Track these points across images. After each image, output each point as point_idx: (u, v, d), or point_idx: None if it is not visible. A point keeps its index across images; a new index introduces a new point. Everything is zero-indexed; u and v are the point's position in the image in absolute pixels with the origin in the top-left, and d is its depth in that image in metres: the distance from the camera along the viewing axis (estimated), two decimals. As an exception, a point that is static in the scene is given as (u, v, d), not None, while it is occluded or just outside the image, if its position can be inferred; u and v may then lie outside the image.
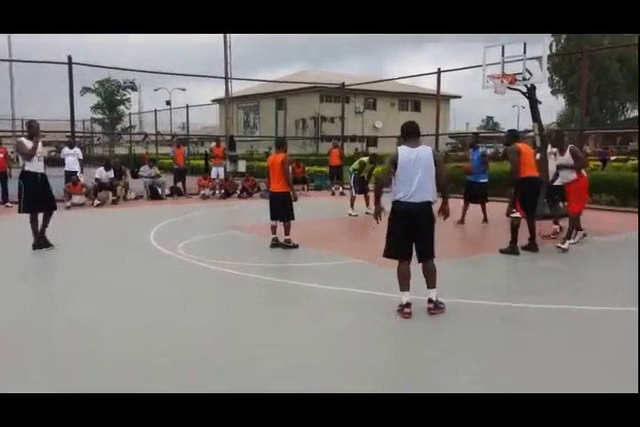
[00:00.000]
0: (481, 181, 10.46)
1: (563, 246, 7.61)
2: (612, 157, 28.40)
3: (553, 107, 57.24)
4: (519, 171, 7.43)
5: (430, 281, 4.92)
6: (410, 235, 4.87)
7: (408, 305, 4.80)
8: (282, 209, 8.09)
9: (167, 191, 16.28)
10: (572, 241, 7.81)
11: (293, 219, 8.16)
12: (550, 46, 49.18)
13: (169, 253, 7.69)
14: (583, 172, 7.94)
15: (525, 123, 51.57)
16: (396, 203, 4.88)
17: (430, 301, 4.89)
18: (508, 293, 5.72)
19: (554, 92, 55.84)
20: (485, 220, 10.39)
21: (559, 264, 7.05)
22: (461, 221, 10.24)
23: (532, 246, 7.62)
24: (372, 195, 5.23)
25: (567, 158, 7.77)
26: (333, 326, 4.70)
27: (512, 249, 7.44)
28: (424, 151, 4.83)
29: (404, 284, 4.87)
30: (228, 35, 18.89)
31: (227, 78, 19.37)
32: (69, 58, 14.69)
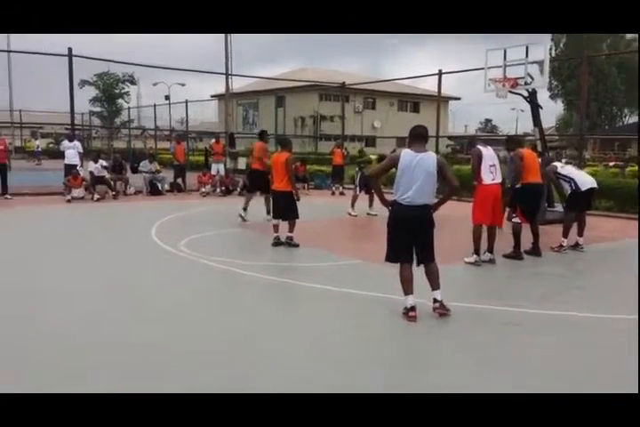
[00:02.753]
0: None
1: (467, 260, 7.09)
2: (611, 164, 28.35)
3: (552, 111, 57.46)
4: (521, 177, 7.38)
5: (434, 282, 4.91)
6: (409, 239, 4.85)
7: (413, 308, 4.78)
8: (286, 208, 8.11)
9: (167, 187, 16.24)
10: (480, 258, 7.07)
11: (298, 217, 8.16)
12: (550, 51, 49.32)
13: (171, 249, 7.68)
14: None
15: (524, 126, 51.58)
16: (395, 204, 4.88)
17: (436, 300, 4.88)
18: (511, 298, 5.74)
19: (552, 97, 55.94)
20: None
21: (561, 270, 7.07)
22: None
23: (535, 251, 7.60)
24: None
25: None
26: (339, 328, 4.70)
27: (516, 254, 7.43)
28: (427, 158, 4.77)
29: (408, 287, 4.86)
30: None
31: (227, 74, 19.21)
32: (69, 50, 14.62)
